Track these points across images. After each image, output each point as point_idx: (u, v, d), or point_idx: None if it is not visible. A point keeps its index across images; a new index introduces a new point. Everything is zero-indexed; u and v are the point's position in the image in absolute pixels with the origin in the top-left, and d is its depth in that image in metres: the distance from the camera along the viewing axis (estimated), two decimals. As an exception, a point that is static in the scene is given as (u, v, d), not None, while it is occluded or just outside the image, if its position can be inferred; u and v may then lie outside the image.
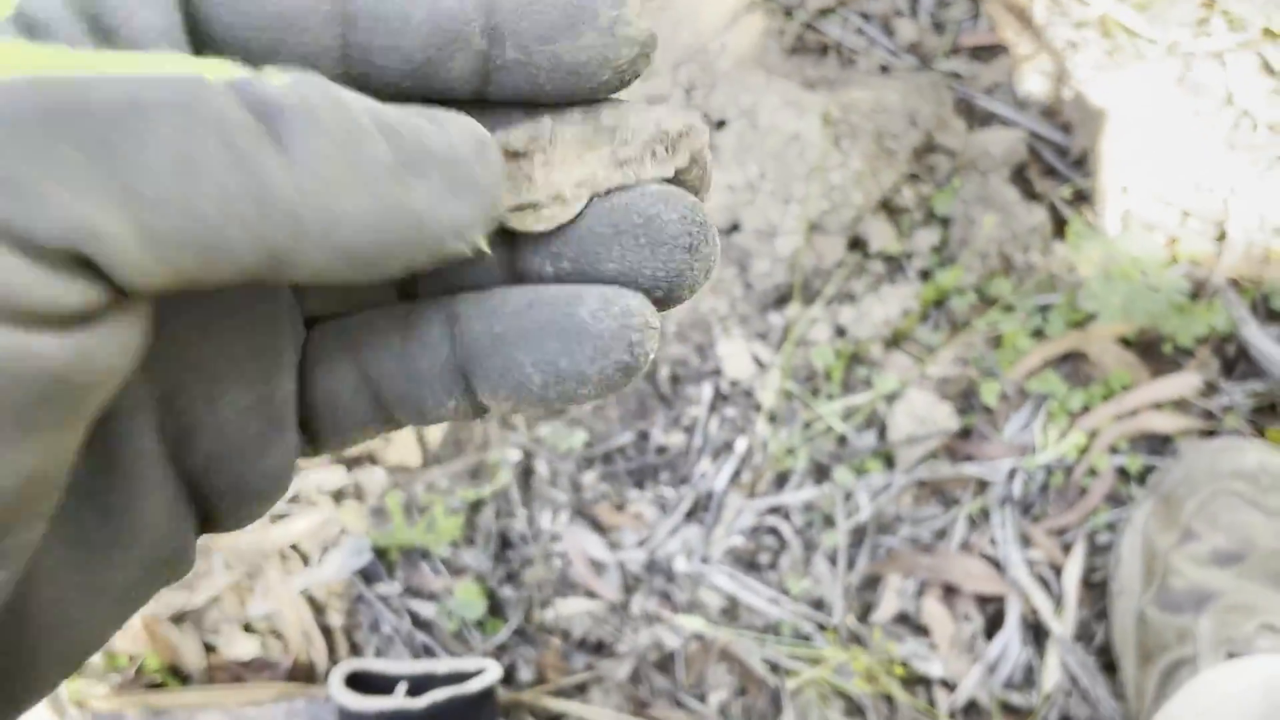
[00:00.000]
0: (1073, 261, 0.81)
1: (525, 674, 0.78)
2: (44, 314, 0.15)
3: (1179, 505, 0.73)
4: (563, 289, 0.21)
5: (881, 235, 0.83)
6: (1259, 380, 0.79)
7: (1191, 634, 0.68)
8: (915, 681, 0.76)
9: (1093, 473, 0.78)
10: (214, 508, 0.22)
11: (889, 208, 0.84)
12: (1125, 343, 0.80)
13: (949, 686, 0.76)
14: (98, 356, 0.16)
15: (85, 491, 0.20)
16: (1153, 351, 0.80)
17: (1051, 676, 0.75)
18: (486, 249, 0.20)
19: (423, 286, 0.23)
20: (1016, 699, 0.75)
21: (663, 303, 0.22)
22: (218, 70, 0.16)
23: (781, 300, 0.82)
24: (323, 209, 0.16)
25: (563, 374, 0.21)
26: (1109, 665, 0.75)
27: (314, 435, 0.23)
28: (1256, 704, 0.57)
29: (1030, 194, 0.85)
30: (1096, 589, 0.77)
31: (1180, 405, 0.79)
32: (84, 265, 0.15)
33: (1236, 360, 0.80)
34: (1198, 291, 0.80)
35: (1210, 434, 0.78)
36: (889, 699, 0.75)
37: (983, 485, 0.79)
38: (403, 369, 0.22)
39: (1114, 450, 0.79)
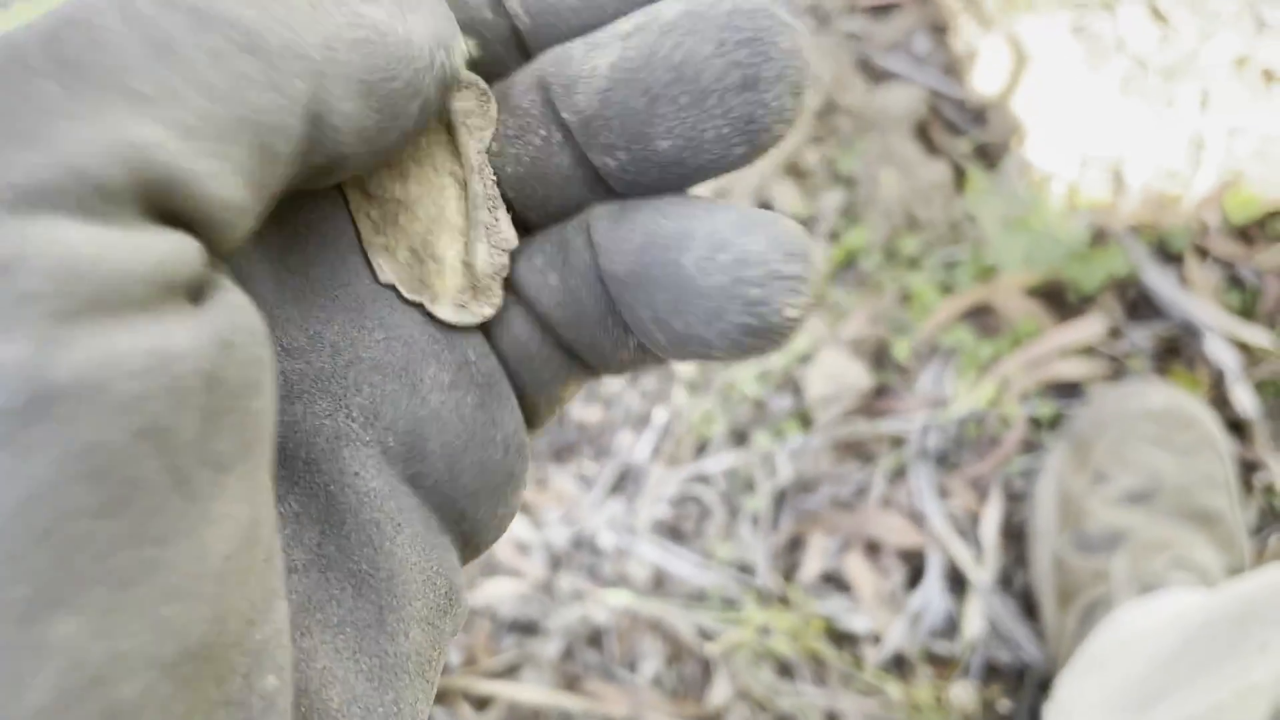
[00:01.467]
0: (976, 215, 0.82)
1: (455, 657, 0.78)
2: (150, 289, 0.12)
3: (1090, 449, 0.74)
4: (676, 223, 0.17)
5: (788, 198, 0.83)
6: (1161, 322, 0.81)
7: (1106, 574, 0.69)
8: (841, 638, 0.77)
9: (1005, 422, 0.80)
10: (468, 517, 0.19)
11: (794, 171, 0.84)
12: (1030, 293, 0.81)
13: (875, 641, 0.77)
14: (238, 342, 0.13)
15: (322, 561, 0.17)
16: (1057, 300, 0.82)
17: (973, 624, 0.76)
18: (474, 50, 0.18)
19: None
20: (941, 648, 0.76)
21: (748, 156, 0.17)
22: None
23: (692, 269, 0.82)
24: (316, 36, 0.14)
25: (681, 337, 0.17)
26: (1030, 610, 0.77)
27: (522, 397, 0.20)
28: (1170, 639, 0.58)
29: (932, 150, 0.85)
30: (1015, 536, 0.78)
31: (1087, 352, 0.80)
32: (153, 206, 0.13)
33: (1138, 304, 0.82)
34: (1098, 238, 0.82)
35: (1117, 378, 0.80)
36: (817, 657, 0.76)
37: (898, 441, 0.80)
38: (568, 307, 0.19)
39: (1025, 399, 0.80)
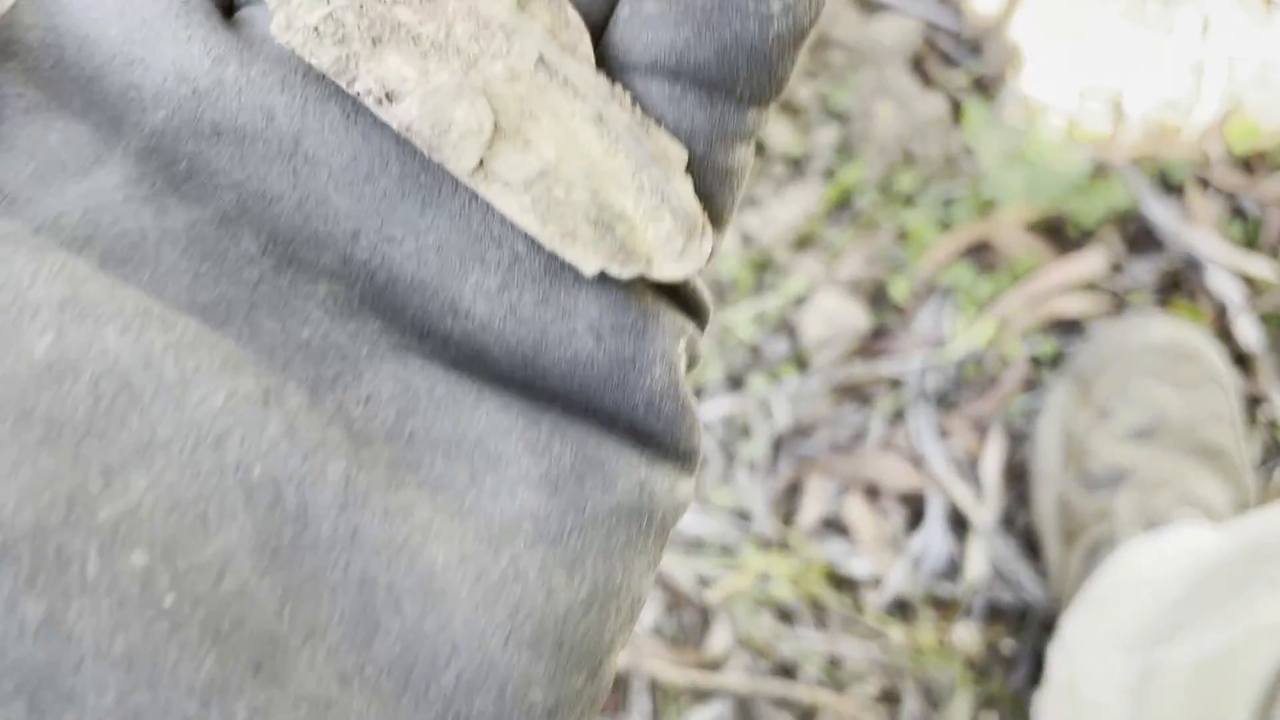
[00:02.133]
0: (973, 149, 0.80)
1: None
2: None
3: (1092, 386, 0.73)
4: None
5: (781, 136, 0.81)
6: (1162, 256, 0.79)
7: (1111, 511, 0.68)
8: (841, 582, 0.76)
9: (1005, 361, 0.78)
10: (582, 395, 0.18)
11: (786, 108, 0.82)
12: (1030, 228, 0.80)
13: (876, 584, 0.76)
14: None
15: (402, 433, 0.16)
16: (1057, 235, 0.80)
17: (975, 565, 0.75)
18: None
19: None
20: (943, 590, 0.76)
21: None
22: None
23: (683, 211, 0.81)
24: None
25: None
26: (1033, 550, 0.76)
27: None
28: (1181, 578, 0.57)
29: (928, 83, 0.83)
30: (1016, 476, 0.78)
31: (1088, 287, 0.79)
32: None
33: (1139, 238, 0.80)
34: (1098, 171, 0.80)
35: (1118, 314, 0.79)
36: (818, 602, 0.75)
37: (897, 382, 0.79)
38: (686, 25, 0.17)
39: (1025, 337, 0.79)
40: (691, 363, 0.18)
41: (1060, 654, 0.64)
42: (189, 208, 0.16)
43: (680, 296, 0.18)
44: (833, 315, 0.78)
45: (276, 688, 0.13)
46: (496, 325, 0.17)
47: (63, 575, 0.12)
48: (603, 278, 0.17)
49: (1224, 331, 0.77)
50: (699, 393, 0.80)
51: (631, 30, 0.17)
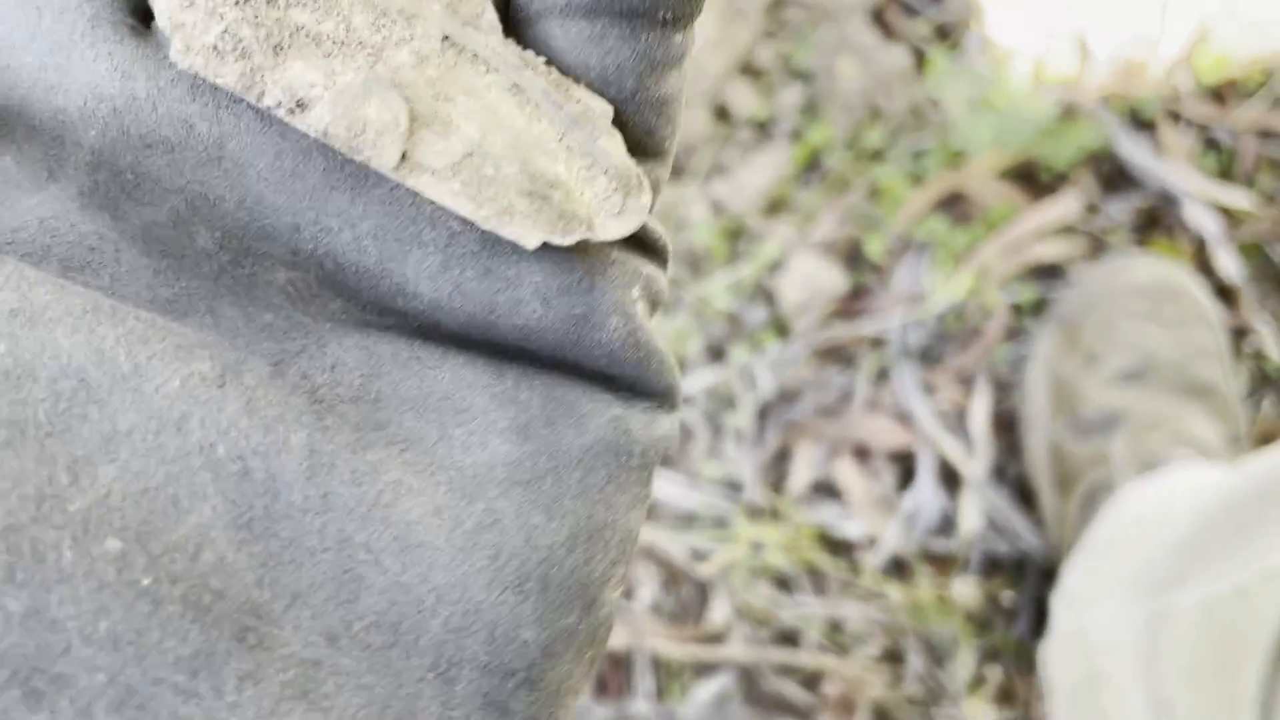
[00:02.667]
0: (940, 100, 0.79)
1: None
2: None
3: (1078, 330, 0.72)
4: None
5: (745, 100, 0.79)
6: (1138, 193, 0.78)
7: (1106, 456, 0.68)
8: (837, 546, 0.76)
9: (986, 312, 0.78)
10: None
11: (747, 70, 0.80)
12: (1002, 175, 0.79)
13: (871, 545, 0.75)
14: None
15: (370, 395, 0.17)
16: (1030, 180, 0.79)
17: (969, 519, 0.75)
18: None
19: None
20: (939, 546, 0.75)
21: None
22: None
23: (651, 183, 0.79)
24: None
25: None
26: (1026, 499, 0.75)
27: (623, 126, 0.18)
28: (1186, 521, 0.56)
29: (889, 35, 0.82)
30: (1005, 427, 0.77)
31: (1065, 231, 0.78)
32: None
33: (1113, 177, 0.79)
34: (1068, 113, 0.79)
35: (1098, 256, 0.78)
36: (814, 568, 0.75)
37: (879, 341, 0.78)
38: None
39: (1004, 286, 0.78)
40: (655, 301, 0.18)
41: (1065, 603, 0.64)
42: (143, 211, 0.16)
43: (633, 239, 0.18)
44: (810, 278, 0.77)
45: (264, 652, 0.14)
46: (445, 302, 0.17)
47: (40, 567, 0.13)
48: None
49: (1204, 265, 0.77)
50: (681, 365, 0.79)
51: None
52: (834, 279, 0.78)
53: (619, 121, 0.17)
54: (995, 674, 0.74)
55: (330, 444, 0.15)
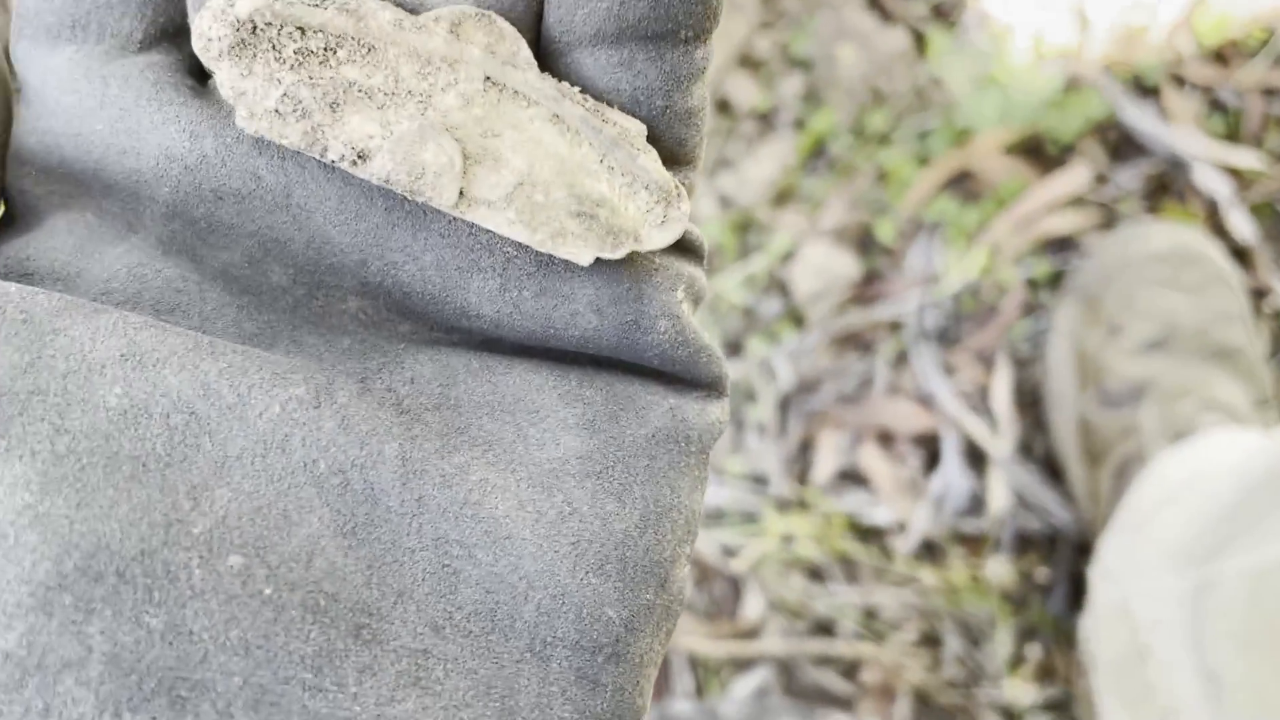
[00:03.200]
0: (942, 79, 0.78)
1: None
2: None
3: (1099, 302, 0.72)
4: None
5: (746, 92, 0.79)
6: (1146, 160, 0.78)
7: (1136, 427, 0.67)
8: (867, 533, 0.75)
9: (1002, 289, 0.77)
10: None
11: (747, 62, 0.80)
12: (1008, 151, 0.78)
13: (901, 530, 0.75)
14: None
15: (450, 402, 0.18)
16: (1038, 154, 0.79)
17: (998, 497, 0.74)
18: None
19: None
20: (969, 527, 0.75)
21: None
22: None
23: (657, 181, 0.79)
24: None
25: None
26: (1054, 474, 0.75)
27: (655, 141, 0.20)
28: (1229, 488, 0.56)
29: (887, 17, 0.81)
30: (1028, 402, 0.77)
31: (1076, 203, 0.78)
32: None
33: (1121, 145, 0.79)
34: (1071, 84, 0.78)
35: (1110, 225, 0.77)
36: (846, 556, 0.74)
37: (896, 325, 0.78)
38: None
39: (1019, 261, 0.77)
40: (698, 298, 0.19)
41: (1104, 576, 0.63)
42: (219, 254, 0.18)
43: (673, 243, 0.19)
44: (822, 267, 0.77)
45: (378, 646, 0.15)
46: (505, 321, 0.18)
47: (174, 586, 0.14)
48: None
49: (1218, 228, 0.76)
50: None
51: (566, 10, 0.17)
52: (847, 266, 0.77)
53: (652, 137, 0.18)
54: (1034, 652, 0.74)
55: (419, 451, 0.17)
